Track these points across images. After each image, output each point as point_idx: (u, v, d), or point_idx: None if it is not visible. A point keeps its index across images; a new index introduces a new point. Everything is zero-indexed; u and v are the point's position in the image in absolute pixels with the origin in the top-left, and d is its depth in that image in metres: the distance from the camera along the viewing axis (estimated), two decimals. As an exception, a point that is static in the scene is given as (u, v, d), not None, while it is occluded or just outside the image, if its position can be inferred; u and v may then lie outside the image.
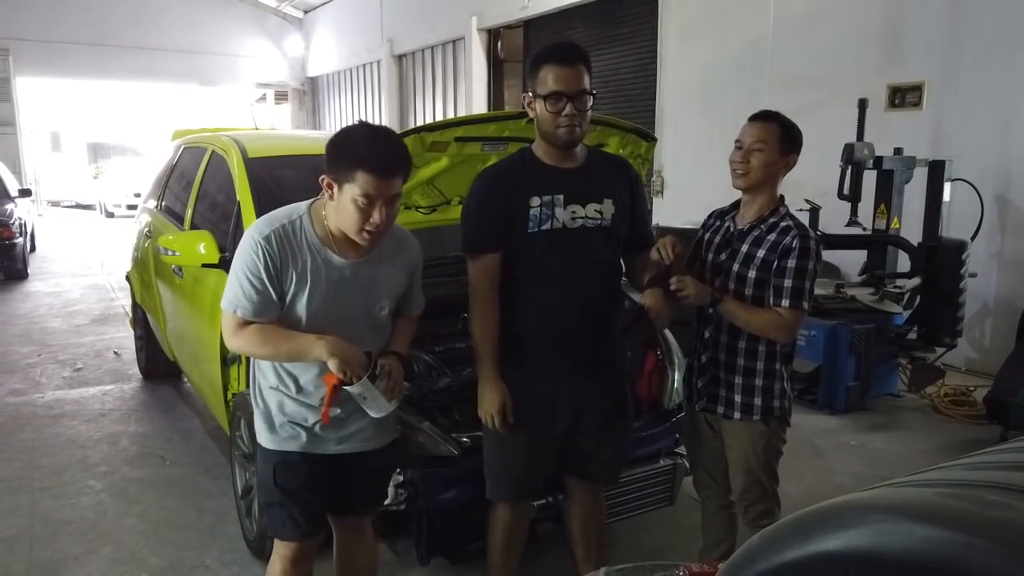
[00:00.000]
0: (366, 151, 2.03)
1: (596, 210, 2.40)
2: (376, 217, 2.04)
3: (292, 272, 2.11)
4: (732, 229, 2.53)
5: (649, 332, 2.35)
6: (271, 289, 2.10)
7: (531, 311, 2.43)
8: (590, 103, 2.33)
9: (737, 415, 2.51)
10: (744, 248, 2.46)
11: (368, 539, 2.55)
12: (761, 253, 2.42)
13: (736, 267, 2.46)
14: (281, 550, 2.34)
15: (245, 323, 2.13)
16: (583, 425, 2.52)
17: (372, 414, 2.19)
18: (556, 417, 2.49)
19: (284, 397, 2.23)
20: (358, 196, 2.01)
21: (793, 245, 2.37)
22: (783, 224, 2.43)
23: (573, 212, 2.38)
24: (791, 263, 2.37)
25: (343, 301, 2.18)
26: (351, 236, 2.10)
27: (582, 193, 2.40)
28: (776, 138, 2.41)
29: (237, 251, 2.17)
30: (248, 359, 3.23)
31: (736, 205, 2.59)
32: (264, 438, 2.28)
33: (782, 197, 2.51)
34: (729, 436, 2.58)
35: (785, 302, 2.37)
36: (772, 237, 2.42)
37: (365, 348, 2.14)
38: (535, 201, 2.38)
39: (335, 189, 2.06)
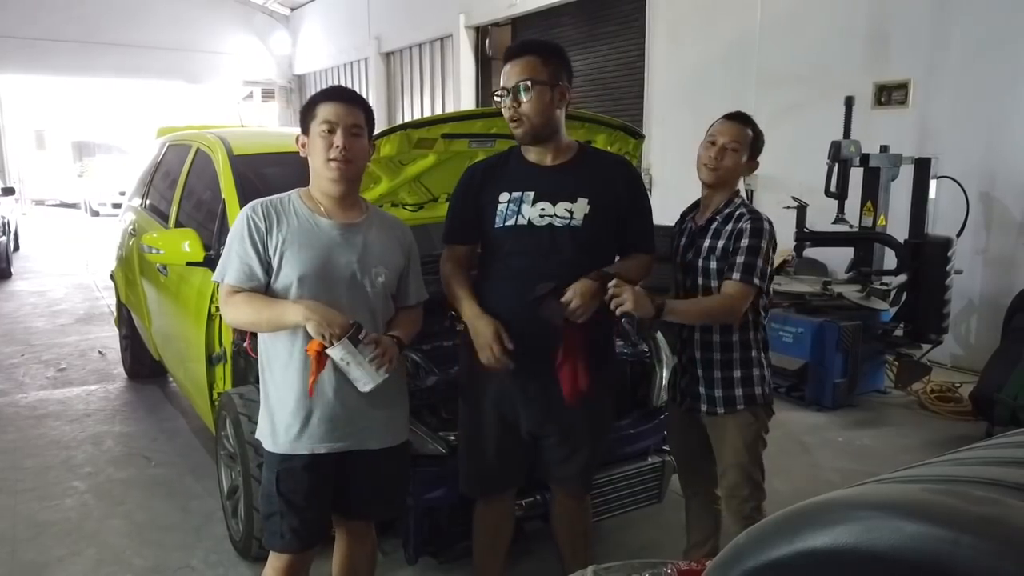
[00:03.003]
0: (327, 89, 2.26)
1: (566, 209, 2.35)
2: (338, 140, 2.15)
3: (278, 234, 2.19)
4: (693, 227, 2.59)
5: (558, 316, 2.19)
6: (254, 254, 2.17)
7: (497, 306, 2.38)
8: (547, 95, 2.29)
9: (720, 410, 2.53)
10: (706, 242, 2.52)
11: (370, 545, 2.53)
12: (721, 243, 2.49)
13: (701, 262, 2.51)
14: (275, 562, 2.31)
15: (235, 292, 2.19)
16: (547, 430, 2.48)
17: (360, 387, 2.14)
18: (518, 417, 2.46)
19: (288, 395, 2.22)
20: (321, 125, 2.16)
21: (743, 226, 2.44)
22: (737, 212, 2.50)
23: (542, 210, 2.35)
24: (743, 242, 2.43)
25: (334, 264, 2.20)
26: (323, 178, 2.20)
27: (554, 191, 2.36)
28: (748, 143, 2.50)
29: (231, 229, 2.26)
30: (235, 359, 3.22)
31: (696, 205, 2.65)
32: (267, 442, 2.27)
33: (737, 191, 2.58)
34: (716, 432, 2.59)
35: (736, 275, 2.40)
36: (729, 227, 2.49)
37: (367, 319, 2.16)
38: (504, 197, 2.38)
39: (307, 140, 2.21)
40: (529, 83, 2.27)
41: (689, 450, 2.73)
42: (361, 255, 2.24)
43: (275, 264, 2.18)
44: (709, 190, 2.55)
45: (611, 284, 2.21)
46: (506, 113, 2.34)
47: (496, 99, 2.37)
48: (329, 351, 2.08)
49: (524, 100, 2.28)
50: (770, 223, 2.48)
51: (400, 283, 2.36)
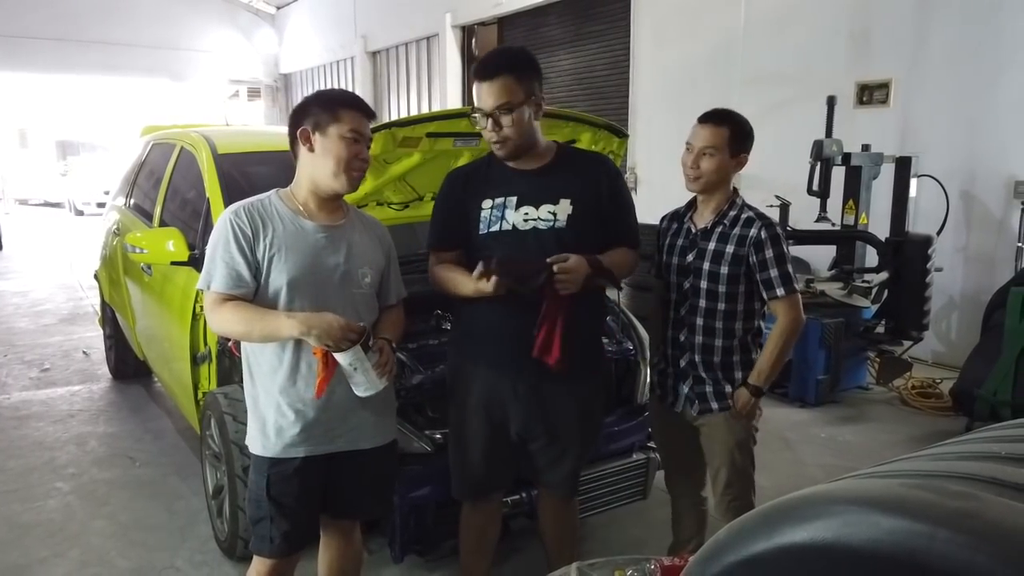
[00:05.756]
0: (349, 96, 2.23)
1: (550, 212, 2.35)
2: (365, 154, 2.18)
3: (264, 239, 2.15)
4: (694, 230, 2.54)
5: (538, 278, 2.19)
6: (242, 259, 2.12)
7: (484, 311, 2.36)
8: (525, 113, 2.28)
9: (717, 404, 2.52)
10: (711, 246, 2.48)
11: (356, 545, 2.51)
12: (730, 249, 2.45)
13: (707, 265, 2.47)
14: (259, 566, 2.30)
15: (224, 301, 2.13)
16: (535, 432, 2.47)
17: (359, 392, 2.14)
18: (508, 418, 2.46)
19: (280, 398, 2.18)
20: (346, 132, 2.14)
21: (763, 236, 2.42)
22: (744, 216, 2.47)
23: (525, 214, 2.35)
24: (768, 253, 2.42)
25: (322, 266, 2.18)
26: (333, 183, 2.17)
27: (536, 194, 2.36)
28: (726, 141, 2.42)
29: (211, 235, 2.20)
30: (219, 359, 3.21)
31: (691, 205, 2.61)
32: (257, 446, 2.23)
33: (735, 189, 2.55)
34: (709, 431, 2.57)
35: (780, 291, 2.43)
36: (737, 231, 2.45)
37: (357, 322, 2.13)
38: (487, 203, 2.37)
39: (316, 135, 2.15)
40: (509, 106, 2.25)
41: (678, 451, 2.72)
42: (347, 256, 2.23)
43: (263, 269, 2.14)
44: (704, 195, 2.51)
45: (556, 267, 2.19)
46: (486, 135, 2.31)
47: (473, 117, 2.34)
48: (338, 356, 2.06)
49: (505, 124, 2.27)
50: (779, 225, 2.47)
51: (382, 282, 2.36)
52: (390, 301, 2.40)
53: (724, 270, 2.45)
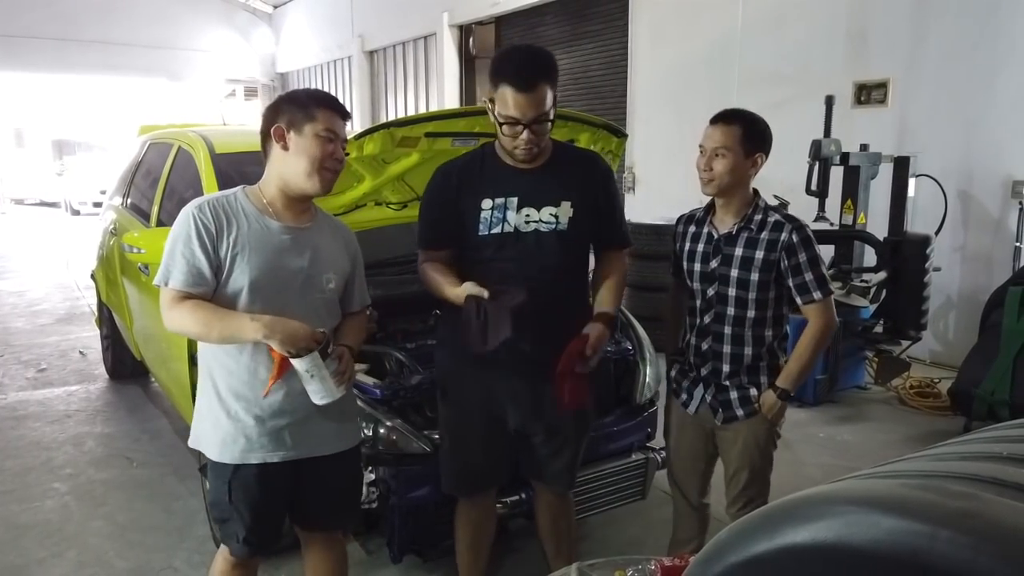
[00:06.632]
0: (324, 95, 2.18)
1: (551, 214, 2.33)
2: (340, 153, 2.14)
3: (228, 237, 2.07)
4: (716, 235, 2.47)
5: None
6: (204, 257, 2.05)
7: None
8: (552, 119, 2.26)
9: (756, 406, 2.49)
10: (739, 252, 2.41)
11: (337, 551, 2.47)
12: (760, 255, 2.38)
13: (735, 272, 2.40)
14: (221, 562, 2.31)
15: (182, 299, 2.05)
16: (533, 428, 2.48)
17: (315, 400, 2.08)
18: (506, 414, 2.46)
19: (237, 403, 2.13)
20: (322, 131, 2.10)
21: (794, 240, 2.36)
22: (771, 220, 2.40)
23: (527, 216, 2.33)
24: (803, 257, 2.36)
25: (285, 269, 2.13)
26: (304, 183, 2.11)
27: (538, 196, 2.33)
28: (739, 140, 2.35)
29: (171, 229, 2.12)
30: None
31: (709, 208, 2.53)
32: (214, 452, 2.17)
33: (756, 191, 2.47)
34: (734, 435, 2.54)
35: (817, 294, 2.38)
36: (765, 236, 2.38)
37: (318, 327, 2.09)
38: (487, 203, 2.33)
39: (291, 133, 2.10)
40: (548, 116, 2.23)
41: (688, 453, 2.67)
42: (312, 260, 2.17)
43: (224, 268, 2.07)
44: (722, 199, 2.43)
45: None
46: (515, 142, 2.24)
47: (501, 125, 2.24)
48: (295, 361, 2.02)
49: (540, 132, 2.24)
50: (807, 226, 2.41)
51: (346, 289, 2.32)
52: (353, 308, 2.36)
53: (754, 276, 2.38)
